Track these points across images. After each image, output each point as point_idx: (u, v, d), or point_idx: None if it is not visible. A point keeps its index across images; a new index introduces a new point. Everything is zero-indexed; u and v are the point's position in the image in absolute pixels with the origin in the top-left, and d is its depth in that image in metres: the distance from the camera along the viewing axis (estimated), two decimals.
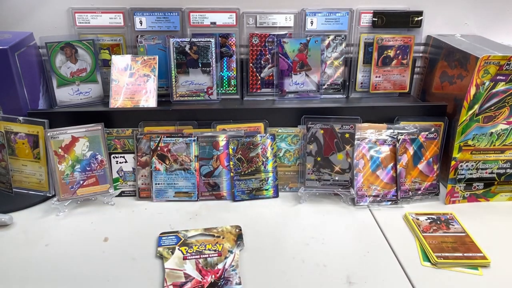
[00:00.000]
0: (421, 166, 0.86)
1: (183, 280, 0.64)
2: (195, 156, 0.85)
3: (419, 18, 1.00)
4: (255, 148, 0.85)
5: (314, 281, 0.65)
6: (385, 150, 0.86)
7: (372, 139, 0.86)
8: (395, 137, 0.86)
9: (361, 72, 1.04)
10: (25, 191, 0.85)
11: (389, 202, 0.84)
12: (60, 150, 0.80)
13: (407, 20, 1.00)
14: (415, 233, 0.75)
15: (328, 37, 1.01)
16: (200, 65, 0.98)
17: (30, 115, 0.84)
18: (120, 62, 0.94)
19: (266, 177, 0.86)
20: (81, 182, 0.82)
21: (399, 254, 0.70)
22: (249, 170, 0.86)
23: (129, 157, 0.86)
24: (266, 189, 0.86)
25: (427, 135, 0.86)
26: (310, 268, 0.67)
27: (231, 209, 0.83)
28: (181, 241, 0.72)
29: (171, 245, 0.71)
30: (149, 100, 0.92)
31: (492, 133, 0.83)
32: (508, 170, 0.86)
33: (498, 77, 0.78)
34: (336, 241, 0.74)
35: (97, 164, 0.83)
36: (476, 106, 0.80)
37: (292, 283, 0.64)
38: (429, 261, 0.69)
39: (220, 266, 0.67)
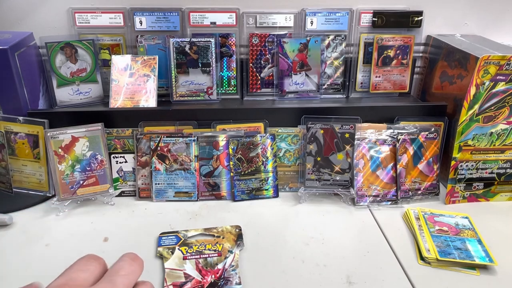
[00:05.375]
0: (421, 166, 0.86)
1: (183, 280, 0.64)
2: (195, 156, 0.85)
3: (419, 18, 1.00)
4: (255, 148, 0.85)
5: (314, 281, 0.65)
6: (385, 150, 0.86)
7: (372, 139, 0.86)
8: (395, 137, 0.86)
9: (361, 72, 1.04)
10: (25, 191, 0.85)
11: (389, 202, 0.85)
12: (60, 150, 0.81)
13: (407, 20, 1.00)
14: (412, 231, 0.75)
15: (328, 37, 1.01)
16: (200, 65, 0.98)
17: (30, 115, 0.84)
18: (120, 62, 0.94)
19: (266, 177, 0.86)
20: (81, 182, 0.82)
21: (399, 254, 0.70)
22: (249, 170, 0.86)
23: (129, 157, 0.86)
24: (266, 189, 0.86)
25: (427, 135, 0.86)
26: (310, 268, 0.67)
27: (231, 209, 0.83)
28: (181, 241, 0.72)
29: (171, 245, 0.71)
30: (149, 100, 0.92)
31: (492, 133, 0.83)
32: (508, 170, 0.86)
33: (498, 77, 0.78)
34: (336, 241, 0.74)
35: (97, 164, 0.83)
36: (476, 106, 0.80)
37: (292, 283, 0.64)
38: (423, 259, 0.69)
39: (220, 266, 0.67)
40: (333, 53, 1.02)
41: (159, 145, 0.84)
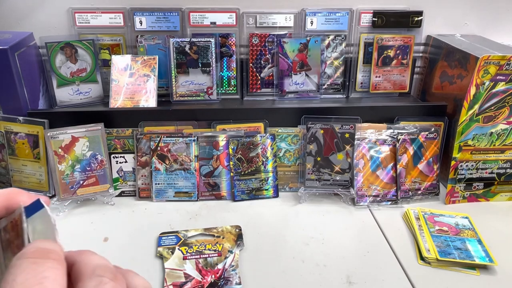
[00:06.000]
0: (421, 166, 0.86)
1: (183, 280, 0.64)
2: (195, 156, 0.85)
3: (419, 18, 1.00)
4: (255, 148, 0.85)
5: (314, 281, 0.65)
6: (385, 150, 0.86)
7: (372, 139, 0.86)
8: (395, 137, 0.86)
9: (361, 72, 1.04)
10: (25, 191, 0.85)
11: (389, 202, 0.84)
12: (60, 150, 0.81)
13: (407, 20, 1.00)
14: (412, 231, 0.75)
15: (328, 37, 1.01)
16: (200, 65, 0.98)
17: (30, 115, 0.84)
18: (120, 62, 0.94)
19: (266, 177, 0.86)
20: (81, 182, 0.82)
21: (399, 254, 0.70)
22: (249, 170, 0.86)
23: (129, 157, 0.86)
24: (266, 189, 0.86)
25: (427, 135, 0.86)
26: (310, 268, 0.67)
27: (231, 209, 0.83)
28: (181, 241, 0.72)
29: (171, 245, 0.71)
30: (149, 100, 0.92)
31: (492, 133, 0.82)
32: (508, 170, 0.86)
33: (498, 77, 0.78)
34: (336, 241, 0.74)
35: (97, 164, 0.83)
36: (476, 106, 0.80)
37: (292, 283, 0.64)
38: (423, 259, 0.69)
39: (220, 266, 0.67)
40: (333, 53, 1.02)
41: (159, 145, 0.84)
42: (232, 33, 0.99)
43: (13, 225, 0.26)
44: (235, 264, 0.67)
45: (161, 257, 0.69)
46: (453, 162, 0.84)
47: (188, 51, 0.97)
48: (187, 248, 0.70)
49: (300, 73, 1.00)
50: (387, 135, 0.86)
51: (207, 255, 0.68)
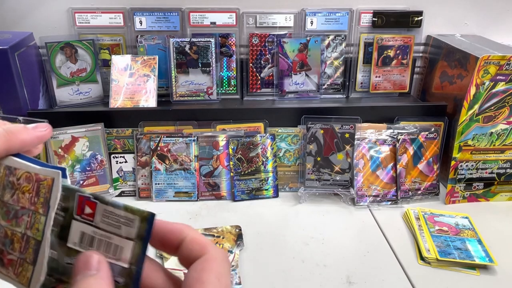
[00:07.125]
0: (421, 166, 0.86)
1: None
2: (195, 156, 0.85)
3: (419, 18, 1.00)
4: (255, 148, 0.85)
5: (314, 281, 0.65)
6: (385, 150, 0.86)
7: (372, 139, 0.86)
8: (395, 137, 0.86)
9: (361, 72, 1.04)
10: None
11: (389, 202, 0.85)
12: (60, 150, 0.81)
13: (407, 20, 1.00)
14: (412, 231, 0.75)
15: (328, 37, 1.01)
16: (200, 65, 0.98)
17: (30, 115, 0.84)
18: (120, 62, 0.94)
19: (266, 177, 0.86)
20: (81, 182, 0.82)
21: (399, 254, 0.70)
22: (249, 170, 0.86)
23: (129, 157, 0.86)
24: (266, 189, 0.86)
25: (427, 135, 0.86)
26: (310, 268, 0.67)
27: (231, 209, 0.83)
28: None
29: None
30: (149, 100, 0.92)
31: (492, 133, 0.83)
32: (508, 170, 0.86)
33: (498, 77, 0.78)
34: (336, 241, 0.74)
35: (97, 164, 0.83)
36: (476, 106, 0.81)
37: (292, 283, 0.64)
38: (423, 259, 0.69)
39: None
40: (333, 53, 1.02)
41: (159, 145, 0.84)
42: (232, 33, 0.99)
43: (29, 179, 0.25)
44: (235, 264, 0.67)
45: (161, 257, 0.69)
46: (453, 162, 0.84)
47: (188, 51, 0.97)
48: None
49: (300, 73, 1.00)
50: (387, 135, 0.86)
51: None
